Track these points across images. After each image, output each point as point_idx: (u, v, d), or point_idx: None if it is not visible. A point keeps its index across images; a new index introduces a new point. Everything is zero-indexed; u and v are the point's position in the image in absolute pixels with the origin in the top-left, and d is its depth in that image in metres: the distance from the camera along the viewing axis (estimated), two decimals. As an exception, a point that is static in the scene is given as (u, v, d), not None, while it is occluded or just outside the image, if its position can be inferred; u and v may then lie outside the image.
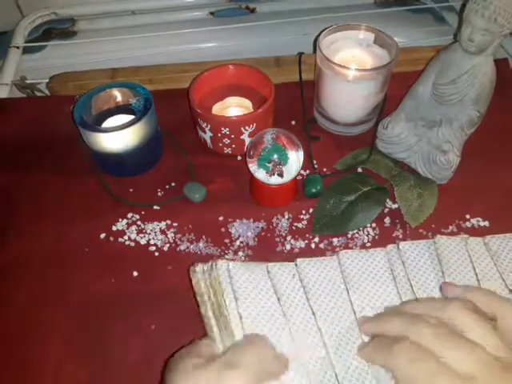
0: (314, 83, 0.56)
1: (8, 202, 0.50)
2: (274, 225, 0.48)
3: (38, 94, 0.66)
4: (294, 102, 0.58)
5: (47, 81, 0.63)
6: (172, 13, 0.81)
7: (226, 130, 0.51)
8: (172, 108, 0.57)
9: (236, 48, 0.74)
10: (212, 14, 0.82)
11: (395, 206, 0.49)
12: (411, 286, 0.41)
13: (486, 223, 0.47)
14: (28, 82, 0.65)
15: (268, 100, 0.51)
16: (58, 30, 0.78)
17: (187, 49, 0.75)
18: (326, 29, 0.54)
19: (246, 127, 0.51)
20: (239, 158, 0.54)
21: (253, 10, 0.82)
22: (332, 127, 0.56)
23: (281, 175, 0.46)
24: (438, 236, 0.45)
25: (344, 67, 0.49)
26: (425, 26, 0.81)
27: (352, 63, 0.52)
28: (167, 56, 0.72)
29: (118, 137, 0.48)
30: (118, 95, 0.52)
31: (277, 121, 0.54)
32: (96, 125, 0.49)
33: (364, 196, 0.49)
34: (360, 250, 0.43)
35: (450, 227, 0.47)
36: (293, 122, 0.58)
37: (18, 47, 0.71)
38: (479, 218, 0.48)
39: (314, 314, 0.39)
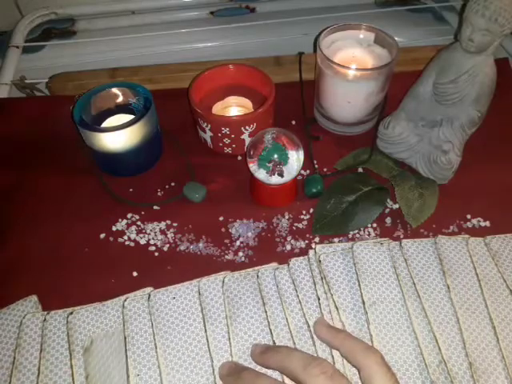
0: (314, 83, 0.56)
1: (8, 202, 0.50)
2: (275, 225, 0.48)
3: (38, 93, 0.66)
4: (293, 101, 0.58)
5: (47, 80, 0.63)
6: (172, 12, 0.81)
7: (226, 130, 0.51)
8: (172, 108, 0.57)
9: (236, 48, 0.73)
10: (212, 13, 0.81)
11: (396, 206, 0.49)
12: (414, 284, 0.41)
13: (487, 223, 0.47)
14: (27, 81, 0.65)
15: (268, 100, 0.51)
16: (57, 29, 0.78)
17: (187, 48, 0.75)
18: (326, 28, 0.54)
19: (247, 127, 0.51)
20: (239, 157, 0.54)
21: (253, 10, 0.82)
22: (332, 127, 0.56)
23: (281, 175, 0.45)
24: (439, 236, 0.45)
25: (344, 67, 0.49)
26: (425, 25, 0.81)
27: (352, 63, 0.52)
28: (167, 56, 0.71)
29: (118, 136, 0.48)
30: (117, 95, 0.52)
31: (277, 120, 0.54)
32: (96, 124, 0.49)
33: (365, 196, 0.49)
34: (374, 244, 0.43)
35: (451, 227, 0.47)
36: (293, 122, 0.57)
37: (17, 47, 0.71)
38: (480, 218, 0.48)
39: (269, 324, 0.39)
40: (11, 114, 0.59)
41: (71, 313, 0.40)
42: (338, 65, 0.49)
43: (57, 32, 0.78)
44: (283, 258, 0.44)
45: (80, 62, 0.70)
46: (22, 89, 0.65)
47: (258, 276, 0.42)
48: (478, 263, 0.43)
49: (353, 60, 0.53)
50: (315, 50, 0.53)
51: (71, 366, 0.37)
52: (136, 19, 0.79)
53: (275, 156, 0.44)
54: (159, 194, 0.51)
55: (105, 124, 0.51)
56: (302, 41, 0.71)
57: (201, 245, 0.46)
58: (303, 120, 0.57)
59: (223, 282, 0.41)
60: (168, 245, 0.46)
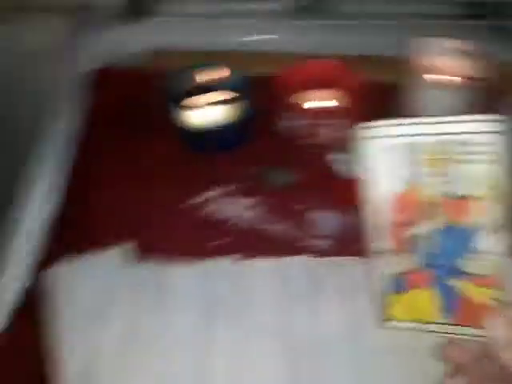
0: (399, 87, 0.56)
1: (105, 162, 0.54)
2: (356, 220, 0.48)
3: (132, 66, 0.68)
4: (376, 102, 0.58)
5: (141, 55, 0.66)
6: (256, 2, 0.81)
7: (312, 121, 0.52)
8: (259, 95, 0.58)
9: (322, 44, 0.74)
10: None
11: None
12: None
13: None
14: (122, 55, 0.68)
15: (355, 96, 0.52)
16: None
17: (273, 39, 0.76)
18: (424, 36, 0.54)
19: (331, 120, 0.52)
20: (323, 149, 0.55)
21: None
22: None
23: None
24: None
25: (443, 76, 0.50)
26: (505, 41, 0.79)
27: (447, 73, 0.52)
28: (253, 44, 0.72)
29: (209, 114, 0.50)
30: (213, 74, 0.54)
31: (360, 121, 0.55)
32: (188, 101, 0.52)
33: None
34: None
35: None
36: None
37: (111, 21, 0.73)
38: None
39: None
40: (109, 83, 0.62)
41: None
42: (437, 73, 0.50)
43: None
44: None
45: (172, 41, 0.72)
46: (119, 61, 0.67)
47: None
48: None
49: (448, 70, 0.53)
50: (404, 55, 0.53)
51: None
52: (225, 6, 0.80)
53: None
54: (244, 173, 0.52)
55: (195, 101, 0.53)
56: (381, 43, 0.70)
57: (279, 227, 0.47)
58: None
59: (305, 264, 0.43)
60: (247, 223, 0.48)
